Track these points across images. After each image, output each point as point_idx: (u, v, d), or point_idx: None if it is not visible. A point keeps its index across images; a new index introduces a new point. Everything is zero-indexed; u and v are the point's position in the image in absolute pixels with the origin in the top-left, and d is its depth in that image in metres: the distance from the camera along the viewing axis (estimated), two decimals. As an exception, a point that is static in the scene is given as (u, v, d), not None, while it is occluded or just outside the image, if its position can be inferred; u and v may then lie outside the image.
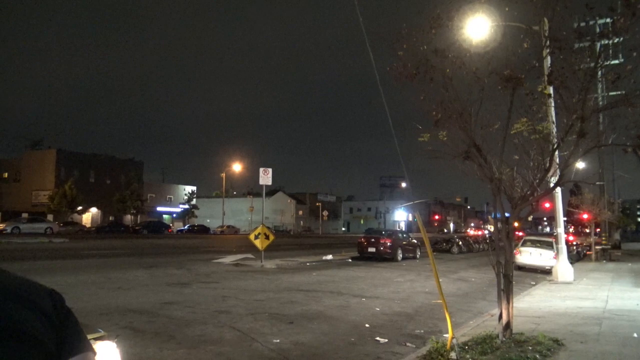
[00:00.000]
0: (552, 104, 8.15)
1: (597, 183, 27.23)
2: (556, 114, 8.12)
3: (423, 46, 6.81)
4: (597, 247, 33.54)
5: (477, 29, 7.27)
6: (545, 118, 7.50)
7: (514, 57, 6.77)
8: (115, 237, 47.33)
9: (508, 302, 7.26)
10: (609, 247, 34.68)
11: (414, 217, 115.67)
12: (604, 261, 29.90)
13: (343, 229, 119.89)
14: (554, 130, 7.80)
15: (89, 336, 2.63)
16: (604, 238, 38.73)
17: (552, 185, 7.84)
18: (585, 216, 34.73)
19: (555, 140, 7.45)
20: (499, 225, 7.55)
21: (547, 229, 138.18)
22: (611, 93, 7.34)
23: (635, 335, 7.85)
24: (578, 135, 6.62)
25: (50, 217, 58.30)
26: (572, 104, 6.67)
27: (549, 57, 7.42)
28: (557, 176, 7.72)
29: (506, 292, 7.24)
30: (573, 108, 6.63)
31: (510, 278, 7.37)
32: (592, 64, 6.75)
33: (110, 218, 68.29)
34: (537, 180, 7.31)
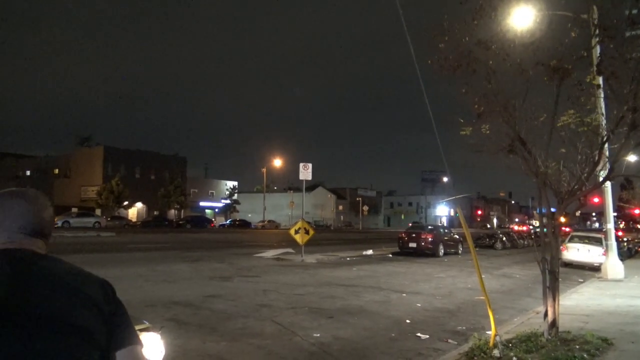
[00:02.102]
0: (602, 95, 7.84)
1: None
2: (606, 105, 7.81)
3: (465, 38, 6.66)
4: (650, 244, 32.24)
5: (522, 18, 7.06)
6: (594, 110, 7.22)
7: (560, 47, 6.54)
8: (159, 231, 48.53)
9: (554, 300, 7.05)
10: (663, 243, 33.26)
11: (455, 212, 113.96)
12: (657, 258, 28.71)
13: (386, 225, 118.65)
14: (604, 122, 7.51)
15: (135, 327, 2.68)
16: (656, 234, 37.18)
17: (601, 179, 7.55)
18: (637, 211, 33.45)
19: (605, 132, 7.17)
20: (545, 220, 7.34)
21: (596, 225, 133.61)
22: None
23: (691, 335, 7.50)
24: (629, 127, 6.35)
25: (98, 211, 60.32)
26: (623, 94, 6.40)
27: (598, 47, 7.13)
28: (607, 170, 7.44)
29: (552, 289, 7.03)
30: (624, 99, 6.36)
31: (556, 275, 7.15)
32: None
33: (155, 213, 70.03)
34: (585, 175, 7.06)
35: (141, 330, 2.95)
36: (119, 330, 1.42)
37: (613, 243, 17.50)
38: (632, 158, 13.67)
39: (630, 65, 6.29)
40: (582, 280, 17.11)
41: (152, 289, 11.74)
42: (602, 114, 7.69)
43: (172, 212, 72.18)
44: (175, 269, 16.10)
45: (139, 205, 71.53)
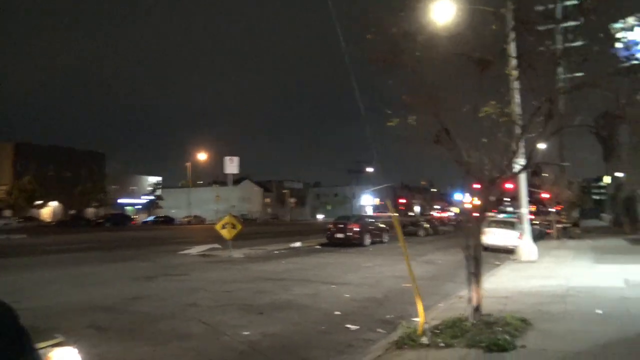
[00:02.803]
0: (517, 87, 8.15)
1: (564, 164, 27.81)
2: (523, 96, 8.13)
3: (392, 29, 6.68)
4: (558, 226, 34.46)
5: (445, 11, 7.18)
6: (514, 101, 7.49)
7: (483, 40, 6.71)
8: (77, 231, 46.13)
9: (477, 285, 7.28)
10: (570, 225, 35.67)
11: (381, 201, 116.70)
12: (565, 239, 30.74)
13: (321, 216, 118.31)
14: (518, 111, 7.80)
15: (47, 343, 2.40)
16: (563, 216, 39.85)
17: (520, 167, 7.87)
18: (546, 196, 35.68)
19: (521, 122, 7.46)
20: (468, 208, 7.56)
21: (509, 209, 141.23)
22: (577, 74, 7.36)
23: (598, 312, 8.01)
24: (546, 117, 6.64)
25: (8, 212, 56.41)
26: (540, 86, 6.67)
27: (515, 40, 7.39)
28: (524, 158, 7.75)
29: (475, 274, 7.26)
30: (541, 90, 6.63)
31: (479, 261, 7.39)
32: (558, 46, 6.76)
33: (72, 212, 66.57)
34: (506, 163, 7.32)
35: (54, 345, 2.67)
36: None
37: (527, 227, 18.52)
38: (541, 146, 14.44)
39: (545, 58, 6.56)
40: (499, 263, 17.90)
41: (69, 294, 11.05)
42: (517, 104, 8.00)
43: (91, 211, 68.92)
44: (95, 270, 15.29)
45: (53, 204, 67.69)
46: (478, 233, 7.50)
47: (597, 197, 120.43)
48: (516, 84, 7.96)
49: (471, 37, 6.70)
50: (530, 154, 7.38)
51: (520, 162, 7.91)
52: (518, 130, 7.41)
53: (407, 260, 7.14)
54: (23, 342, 1.22)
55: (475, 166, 7.60)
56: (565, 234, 33.17)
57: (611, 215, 54.14)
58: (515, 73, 7.41)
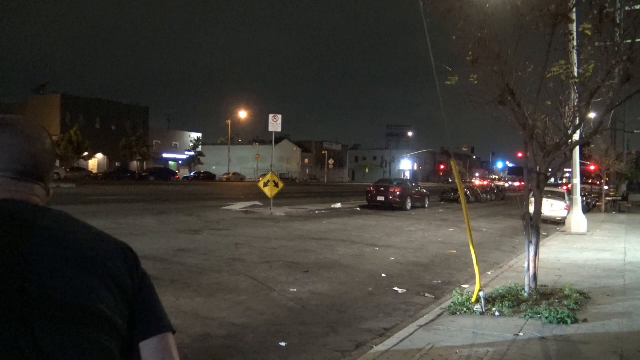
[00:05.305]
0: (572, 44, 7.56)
1: (636, 131, 26.38)
2: (594, 57, 7.58)
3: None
4: (607, 199, 33.26)
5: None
6: (587, 60, 6.96)
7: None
8: (122, 183, 47.42)
9: (535, 254, 7.00)
10: (620, 198, 34.39)
11: (419, 167, 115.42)
12: (614, 212, 29.68)
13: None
14: (575, 70, 7.27)
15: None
16: (612, 190, 38.41)
17: (585, 133, 7.42)
18: (592, 168, 34.38)
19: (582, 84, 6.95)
20: (530, 175, 7.19)
21: (551, 180, 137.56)
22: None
23: (663, 289, 7.62)
24: (622, 80, 6.16)
25: (56, 162, 58.30)
26: (619, 44, 6.16)
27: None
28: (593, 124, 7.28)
29: (535, 244, 6.97)
30: (620, 49, 6.13)
31: (538, 230, 7.08)
32: None
33: (117, 164, 68.37)
34: (572, 128, 6.89)
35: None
36: (144, 313, 1.04)
37: (578, 198, 17.83)
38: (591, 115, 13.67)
39: (631, 15, 6.03)
40: (546, 234, 17.37)
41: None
42: (574, 64, 7.45)
43: (135, 164, 70.60)
44: (142, 222, 15.61)
45: (99, 156, 69.61)
46: (539, 202, 7.17)
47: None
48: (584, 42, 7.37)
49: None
50: (603, 118, 6.91)
51: (585, 129, 7.46)
52: (587, 93, 6.92)
53: (468, 228, 6.95)
54: (149, 285, 1.14)
55: (539, 130, 7.20)
56: (615, 207, 32.01)
57: (663, 190, 51.81)
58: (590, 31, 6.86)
